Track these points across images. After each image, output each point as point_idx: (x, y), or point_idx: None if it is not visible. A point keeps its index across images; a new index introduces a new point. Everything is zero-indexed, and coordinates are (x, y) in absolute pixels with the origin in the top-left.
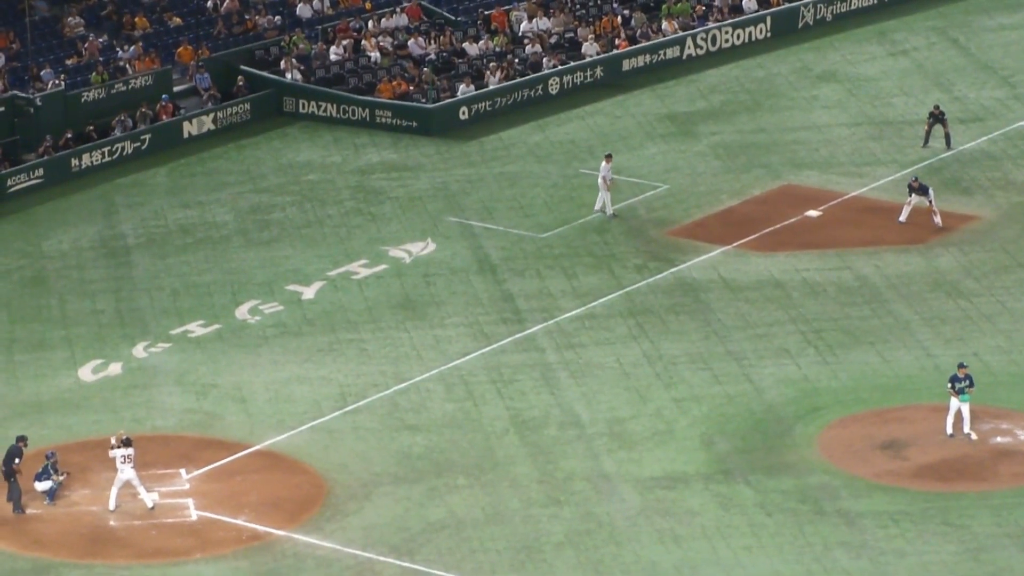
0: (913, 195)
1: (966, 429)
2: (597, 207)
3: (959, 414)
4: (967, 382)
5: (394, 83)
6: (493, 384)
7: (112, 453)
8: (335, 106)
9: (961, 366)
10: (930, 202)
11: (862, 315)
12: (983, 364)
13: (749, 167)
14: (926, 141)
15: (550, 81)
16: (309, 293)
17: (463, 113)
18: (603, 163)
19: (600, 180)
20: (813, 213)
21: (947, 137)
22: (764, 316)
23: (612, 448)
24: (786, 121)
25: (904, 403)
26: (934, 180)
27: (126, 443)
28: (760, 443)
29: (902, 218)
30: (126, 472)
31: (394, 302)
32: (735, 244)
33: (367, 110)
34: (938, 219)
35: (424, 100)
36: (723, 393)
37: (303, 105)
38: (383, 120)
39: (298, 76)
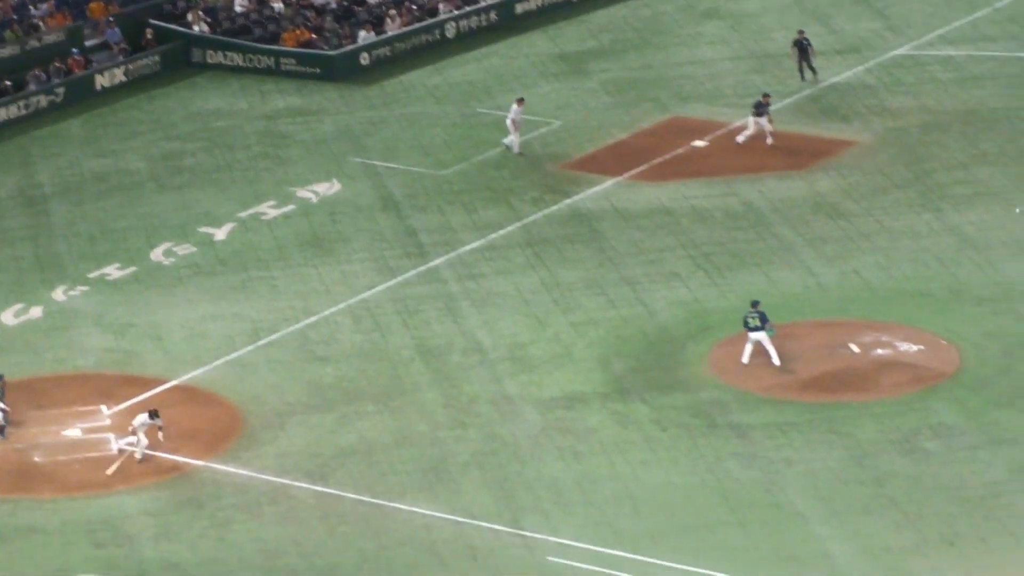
0: (756, 117)
1: (775, 361)
2: (505, 141)
3: (759, 346)
4: (758, 318)
5: (297, 32)
6: (399, 315)
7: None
8: (241, 55)
9: (754, 304)
10: (768, 122)
11: (748, 238)
12: (863, 280)
13: (638, 102)
14: (802, 74)
15: (447, 26)
16: (221, 234)
17: (364, 59)
18: (514, 106)
19: (509, 122)
20: (700, 143)
21: (812, 67)
22: (655, 242)
23: (514, 371)
24: (672, 57)
25: (789, 320)
26: (814, 108)
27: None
28: (654, 362)
29: (741, 139)
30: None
31: (302, 240)
32: (626, 175)
33: (272, 58)
34: (770, 139)
35: (326, 47)
36: (618, 316)
37: (210, 56)
38: (287, 67)
39: (205, 28)
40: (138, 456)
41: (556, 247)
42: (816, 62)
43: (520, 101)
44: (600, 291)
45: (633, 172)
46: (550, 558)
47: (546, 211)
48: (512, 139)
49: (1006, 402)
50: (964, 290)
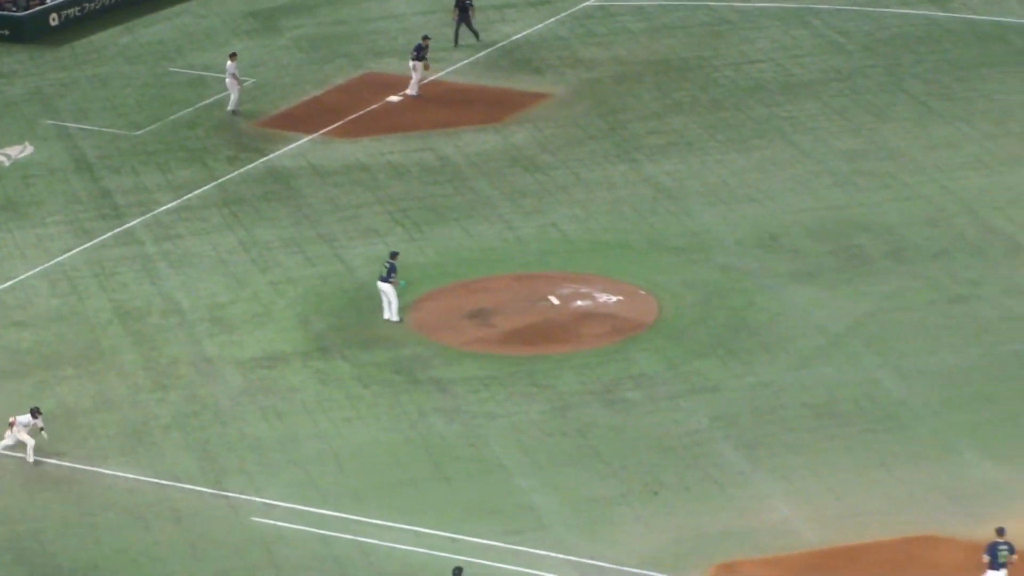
0: (415, 62)
1: (387, 315)
2: (231, 107)
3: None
4: (387, 269)
5: None
6: (96, 278)
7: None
8: None
9: (392, 255)
10: (423, 67)
11: (445, 193)
12: (561, 233)
13: (331, 58)
14: (456, 39)
15: None
16: None
17: (53, 19)
18: (228, 62)
19: (228, 78)
20: (394, 98)
21: (472, 29)
22: (352, 199)
23: (213, 332)
24: (365, 12)
25: (488, 274)
26: (506, 61)
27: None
28: (354, 320)
29: (412, 91)
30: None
31: None
32: (321, 132)
33: None
34: (415, 89)
35: (15, 8)
36: (317, 274)
37: None
38: None
39: None
40: (30, 459)
41: (253, 206)
42: (476, 23)
43: (233, 56)
44: (298, 249)
45: (328, 129)
46: (255, 519)
47: (242, 170)
48: (233, 97)
49: (705, 351)
50: (661, 240)
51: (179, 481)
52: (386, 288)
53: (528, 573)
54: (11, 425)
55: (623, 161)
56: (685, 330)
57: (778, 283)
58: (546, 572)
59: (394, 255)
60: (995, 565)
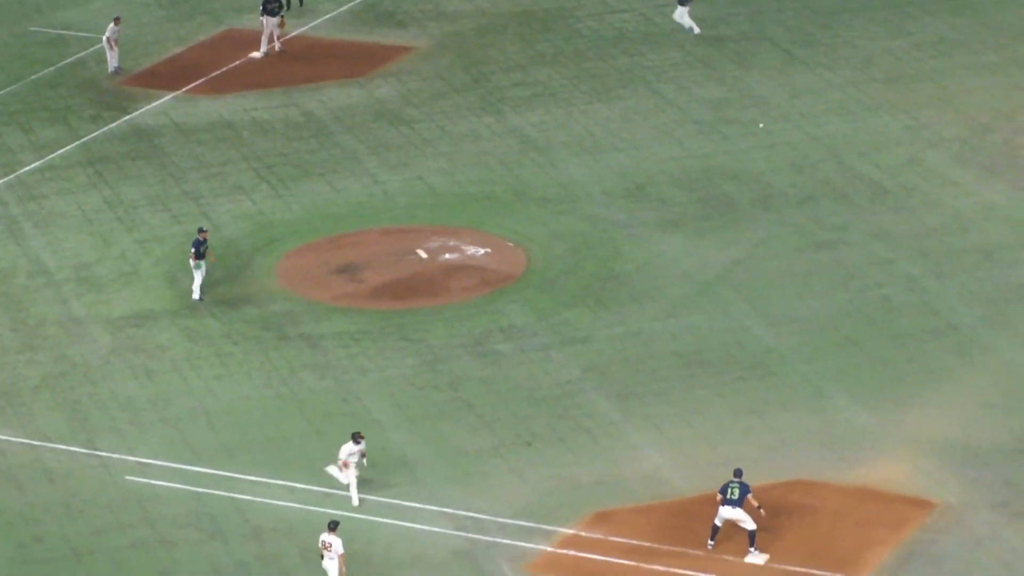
0: (265, 17)
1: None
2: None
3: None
4: (198, 247)
5: None
6: None
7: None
8: None
9: (200, 230)
10: (279, 24)
11: (310, 148)
12: (428, 186)
13: (192, 15)
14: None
15: None
16: None
17: None
18: (111, 25)
19: (105, 40)
20: (256, 55)
21: None
22: (217, 156)
23: (80, 292)
24: None
25: (356, 229)
26: (369, 15)
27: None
28: (222, 277)
29: (260, 52)
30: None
31: None
32: (184, 89)
33: None
34: (265, 46)
35: None
36: (183, 232)
37: None
38: None
39: None
40: (355, 502)
41: (117, 164)
42: None
43: (116, 20)
44: (164, 207)
45: (191, 86)
46: (128, 477)
47: (105, 129)
48: (111, 57)
49: (575, 301)
50: (528, 191)
51: (51, 441)
52: (196, 264)
53: (403, 526)
54: (345, 465)
55: (488, 113)
56: (554, 281)
57: (646, 232)
58: (421, 525)
59: (202, 231)
60: (725, 502)
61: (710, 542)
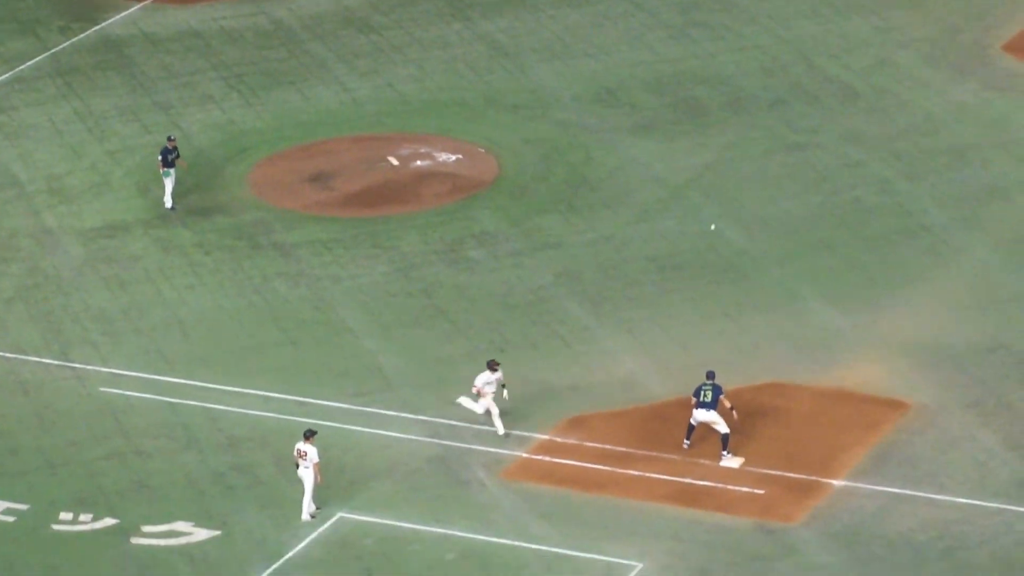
0: None
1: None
2: None
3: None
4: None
5: None
6: None
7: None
8: None
9: (169, 138)
10: None
11: (280, 57)
12: (398, 93)
13: None
14: None
15: None
16: None
17: None
18: None
19: None
20: None
21: None
22: (187, 66)
23: (52, 204)
24: None
25: (326, 137)
26: None
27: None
28: (194, 186)
29: None
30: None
31: None
32: None
33: None
34: None
35: None
36: (154, 142)
37: None
38: None
39: None
40: (500, 432)
41: (87, 75)
42: None
43: None
44: (134, 118)
45: None
46: (102, 388)
47: (74, 39)
48: None
49: (547, 207)
50: (498, 98)
51: (24, 353)
52: (166, 172)
53: (378, 434)
54: (480, 394)
55: (457, 19)
56: (526, 187)
57: (617, 137)
58: (396, 432)
59: (171, 139)
60: (699, 405)
61: (686, 441)
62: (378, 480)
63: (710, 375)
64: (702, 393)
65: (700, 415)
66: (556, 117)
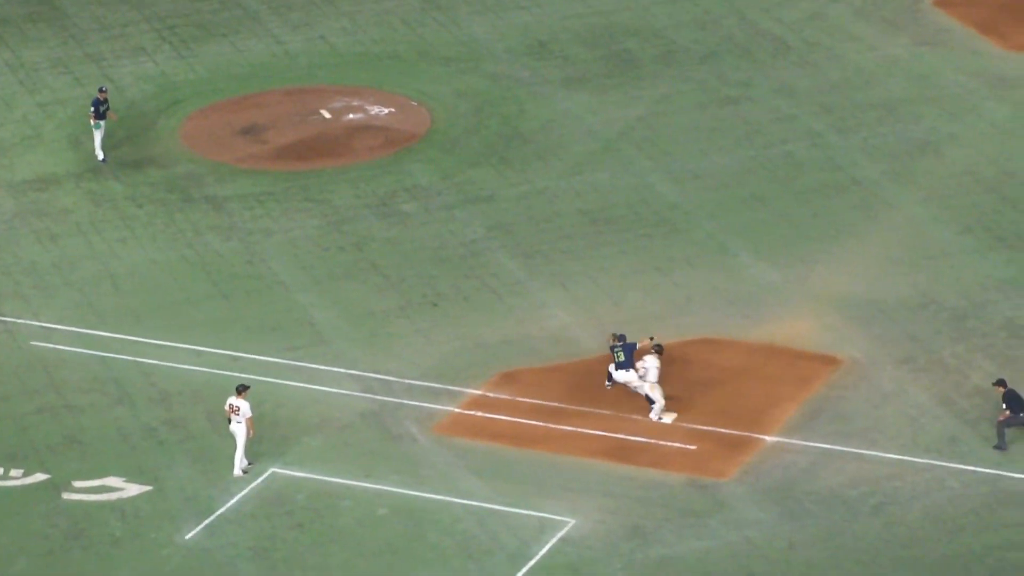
0: None
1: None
2: None
3: None
4: (98, 107)
5: None
6: None
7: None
8: None
9: (100, 90)
10: None
11: (213, 8)
12: (330, 46)
13: None
14: None
15: None
16: None
17: None
18: None
19: None
20: None
21: None
22: (118, 17)
23: None
24: None
25: (259, 90)
26: None
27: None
28: (125, 138)
29: None
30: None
31: None
32: None
33: None
34: None
35: None
36: (85, 95)
37: None
38: None
39: None
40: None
41: (17, 27)
42: None
43: None
44: (66, 70)
45: None
46: (33, 342)
47: None
48: None
49: (479, 160)
50: (430, 51)
51: None
52: (96, 124)
53: (311, 388)
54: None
55: None
56: (458, 140)
57: (549, 90)
58: (328, 387)
59: (102, 91)
60: (617, 365)
61: (608, 383)
62: (310, 435)
63: (620, 337)
64: (616, 354)
65: (619, 377)
66: (488, 70)
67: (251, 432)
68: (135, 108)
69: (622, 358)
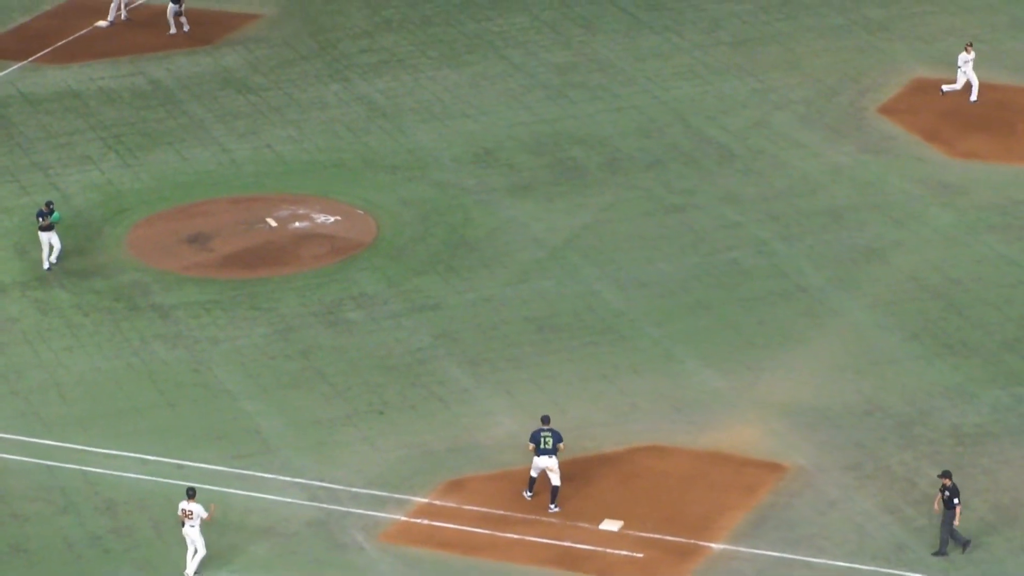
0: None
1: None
2: None
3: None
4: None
5: None
6: None
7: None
8: None
9: (47, 204)
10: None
11: (158, 117)
12: (276, 154)
13: None
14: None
15: None
16: None
17: None
18: None
19: None
20: (102, 23)
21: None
22: (65, 126)
23: None
24: None
25: (205, 198)
26: None
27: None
28: (72, 248)
29: (107, 21)
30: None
31: None
32: (30, 59)
33: None
34: (186, 27)
35: None
36: (32, 203)
37: None
38: None
39: None
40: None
41: None
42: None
43: None
44: (12, 178)
45: (37, 56)
46: None
47: None
48: None
49: (425, 268)
50: (376, 159)
51: None
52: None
53: (256, 497)
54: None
55: (335, 80)
56: (404, 248)
57: (495, 198)
58: (274, 495)
59: (49, 204)
60: (539, 452)
61: (527, 493)
62: (256, 543)
63: (545, 420)
64: (542, 440)
65: (542, 462)
66: (435, 178)
67: (213, 510)
68: (81, 217)
69: (549, 445)
